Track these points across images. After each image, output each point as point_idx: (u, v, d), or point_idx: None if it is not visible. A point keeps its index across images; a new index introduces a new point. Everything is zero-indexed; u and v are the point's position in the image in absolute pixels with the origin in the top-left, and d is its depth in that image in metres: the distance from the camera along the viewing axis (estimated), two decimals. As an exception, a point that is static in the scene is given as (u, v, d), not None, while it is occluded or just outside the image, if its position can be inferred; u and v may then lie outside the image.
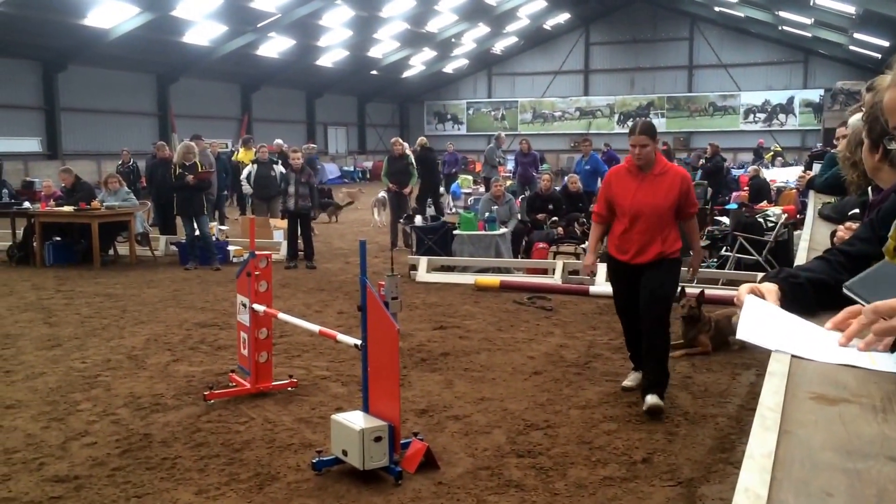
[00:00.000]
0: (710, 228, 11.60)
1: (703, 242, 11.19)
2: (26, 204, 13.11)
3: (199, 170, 12.07)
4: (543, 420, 5.28)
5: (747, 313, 1.38)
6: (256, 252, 5.97)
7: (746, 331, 1.31)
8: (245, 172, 15.05)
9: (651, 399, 5.29)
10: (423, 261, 11.03)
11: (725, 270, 10.06)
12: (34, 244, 12.42)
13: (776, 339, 1.27)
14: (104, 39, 25.09)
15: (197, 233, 12.07)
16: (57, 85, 26.07)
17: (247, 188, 14.89)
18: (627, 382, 5.85)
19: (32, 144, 25.72)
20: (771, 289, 1.47)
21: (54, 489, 4.27)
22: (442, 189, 19.21)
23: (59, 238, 12.70)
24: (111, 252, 13.00)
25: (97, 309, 9.06)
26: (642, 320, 5.41)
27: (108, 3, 23.55)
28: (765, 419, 0.96)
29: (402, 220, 13.71)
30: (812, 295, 1.51)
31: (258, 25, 28.56)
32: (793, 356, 1.22)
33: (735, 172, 23.04)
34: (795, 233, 10.28)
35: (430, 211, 13.96)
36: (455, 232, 11.55)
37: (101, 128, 27.70)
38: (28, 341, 7.53)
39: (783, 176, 19.66)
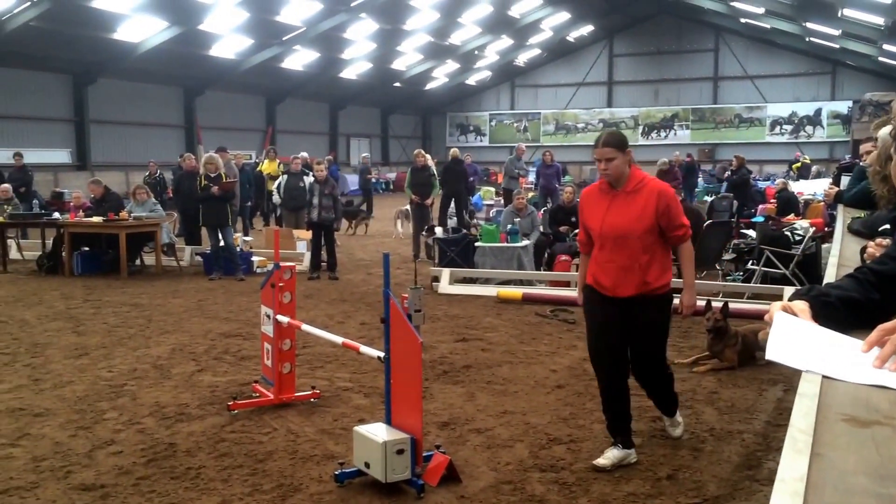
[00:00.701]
0: (736, 241, 11.51)
1: (728, 256, 11.12)
2: (56, 214, 13.28)
3: (224, 181, 12.18)
4: (566, 434, 5.26)
5: (777, 332, 1.36)
6: (281, 263, 6.00)
7: (776, 350, 1.30)
8: (276, 183, 15.18)
9: (672, 428, 5.15)
10: (445, 272, 11.04)
11: (752, 284, 9.96)
12: (63, 254, 12.57)
13: (807, 359, 1.26)
14: (133, 53, 25.44)
15: (221, 243, 12.16)
16: (87, 97, 26.44)
17: (276, 198, 15.02)
18: (602, 461, 4.67)
19: (62, 156, 26.07)
20: (802, 307, 1.46)
21: (81, 497, 4.30)
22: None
23: (87, 248, 12.85)
24: (138, 262, 13.13)
25: (124, 318, 9.14)
26: (635, 376, 4.91)
27: (137, 17, 23.86)
28: (796, 441, 0.95)
29: (424, 232, 13.73)
30: (843, 313, 1.49)
31: (283, 39, 28.80)
32: (824, 376, 1.20)
33: (761, 185, 22.85)
34: (823, 246, 10.17)
35: (452, 223, 13.96)
36: (477, 244, 11.55)
37: (129, 139, 28.03)
38: (56, 350, 7.61)
39: (810, 188, 19.48)
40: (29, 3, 21.08)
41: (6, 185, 14.62)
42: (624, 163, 4.61)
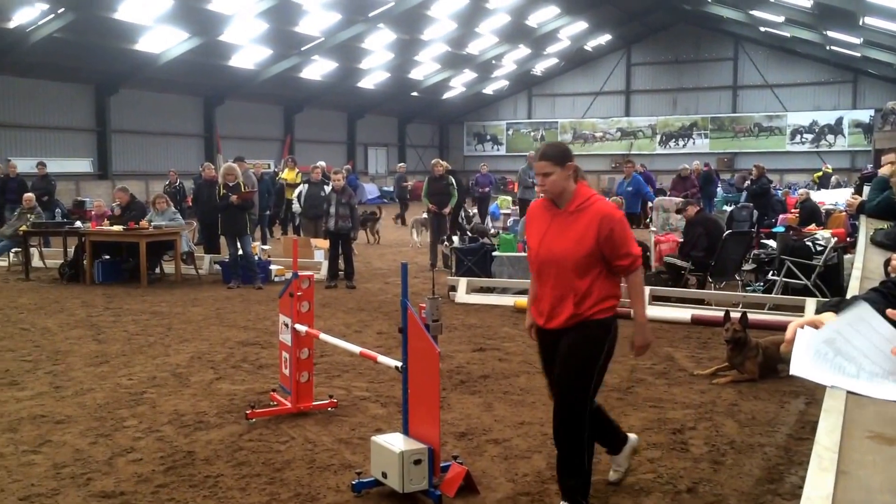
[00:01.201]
0: (756, 252, 11.44)
1: (748, 266, 11.04)
2: (78, 223, 13.40)
3: (243, 190, 12.25)
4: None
5: (800, 347, 1.35)
6: (299, 273, 6.02)
7: (800, 365, 1.28)
8: (297, 192, 15.26)
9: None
10: (462, 282, 11.03)
11: (772, 295, 9.89)
12: (84, 262, 12.68)
13: (831, 374, 1.24)
14: (154, 64, 25.69)
15: (240, 252, 12.22)
16: (108, 107, 26.71)
17: (297, 207, 15.09)
18: (613, 475, 4.59)
19: (84, 165, 26.34)
20: (831, 319, 1.44)
21: (100, 506, 4.33)
22: (474, 210, 19.28)
23: (108, 256, 12.95)
24: (158, 270, 13.22)
25: (143, 326, 9.20)
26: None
27: (159, 28, 24.09)
28: (821, 459, 0.94)
29: (443, 242, 13.73)
30: None
31: (302, 49, 28.97)
32: (848, 392, 1.19)
33: (781, 194, 22.67)
34: (845, 257, 10.08)
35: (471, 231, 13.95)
36: (494, 253, 11.54)
37: (150, 149, 28.28)
38: (77, 357, 7.67)
39: (832, 198, 19.32)
40: (53, 15, 21.33)
41: (30, 194, 14.77)
42: (563, 178, 4.05)
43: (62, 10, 21.15)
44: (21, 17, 21.25)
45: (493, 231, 15.58)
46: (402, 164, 28.39)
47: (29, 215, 13.73)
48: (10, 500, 4.44)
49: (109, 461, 4.96)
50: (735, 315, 6.93)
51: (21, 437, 5.40)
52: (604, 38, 39.28)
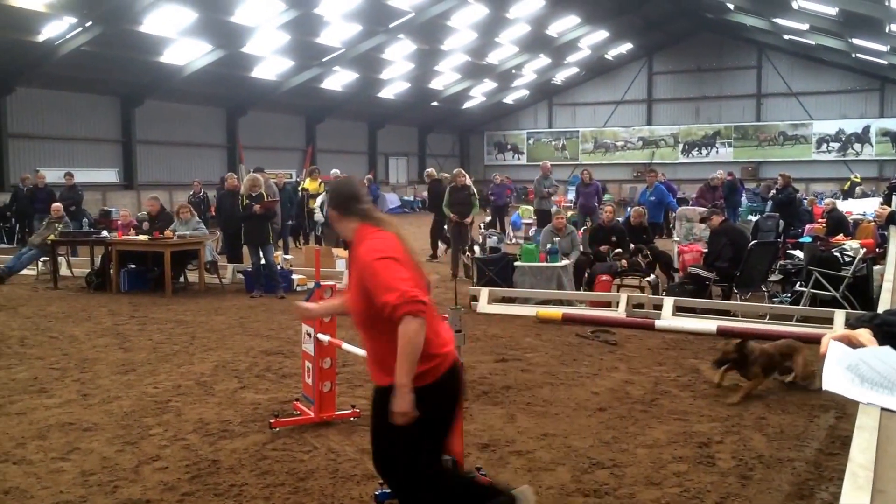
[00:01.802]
0: (782, 262, 11.34)
1: (775, 277, 10.94)
2: (104, 233, 13.54)
3: (265, 200, 12.32)
4: (609, 459, 5.20)
5: (832, 361, 1.34)
6: (321, 282, 6.04)
7: (833, 380, 1.27)
8: (318, 201, 15.34)
9: None
10: (484, 292, 11.02)
11: (800, 307, 9.78)
12: (111, 271, 12.81)
13: (865, 390, 1.23)
14: (178, 75, 25.98)
15: (262, 261, 12.29)
16: (134, 118, 27.03)
17: (319, 216, 15.17)
18: None
19: (110, 175, 26.64)
20: (867, 336, 1.43)
21: (126, 514, 4.36)
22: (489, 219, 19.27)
23: (133, 265, 13.07)
24: (182, 279, 13.32)
25: (168, 335, 9.27)
26: None
27: (183, 41, 24.36)
28: (856, 478, 0.93)
29: (466, 252, 13.75)
30: None
31: (323, 60, 29.15)
32: (883, 409, 1.18)
33: (807, 203, 22.44)
34: (875, 268, 9.98)
35: (493, 241, 13.94)
36: (516, 263, 11.53)
37: (174, 159, 28.56)
38: (104, 365, 7.74)
39: (860, 207, 19.11)
40: (81, 29, 21.63)
41: (58, 204, 14.94)
42: (345, 225, 3.69)
43: (90, 23, 21.44)
44: (50, 31, 21.55)
45: (512, 241, 15.53)
46: (445, 175, 28.39)
47: (57, 225, 13.89)
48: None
49: (136, 469, 5.00)
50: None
51: (50, 445, 5.46)
52: (625, 47, 39.20)
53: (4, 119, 23.34)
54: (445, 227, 15.76)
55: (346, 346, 5.76)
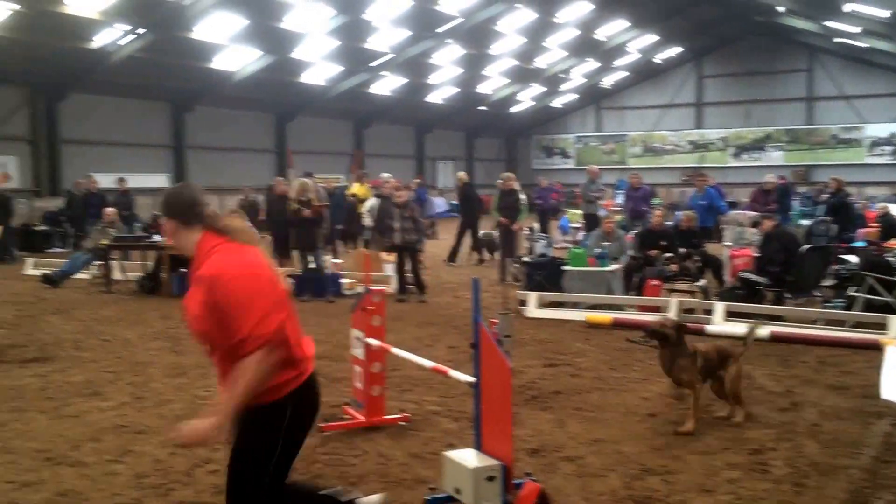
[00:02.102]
0: (835, 267, 11.10)
1: (828, 282, 10.71)
2: (156, 237, 13.78)
3: (314, 205, 12.44)
4: (661, 465, 5.14)
5: (891, 367, 1.30)
6: (371, 287, 6.07)
7: (892, 389, 1.24)
8: (367, 205, 15.44)
9: None
10: (532, 296, 10.98)
11: (853, 312, 9.57)
12: (162, 275, 13.03)
13: None
14: (228, 81, 26.37)
15: (311, 265, 12.40)
16: (185, 124, 27.50)
17: (367, 220, 15.26)
18: None
19: (161, 180, 27.11)
20: None
21: (180, 515, 4.43)
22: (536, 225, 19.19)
23: (185, 269, 13.26)
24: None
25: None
26: None
27: (233, 47, 24.74)
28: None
29: (514, 258, 13.73)
30: None
31: (371, 65, 29.36)
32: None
33: (860, 207, 21.95)
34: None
35: (541, 246, 13.89)
36: (565, 267, 11.46)
37: (224, 164, 28.96)
38: (156, 369, 7.88)
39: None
40: (134, 36, 22.09)
41: (111, 209, 15.25)
42: (185, 237, 3.27)
43: (142, 30, 21.90)
44: (103, 38, 22.05)
45: (560, 245, 15.43)
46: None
47: (110, 229, 14.17)
48: (94, 508, 4.58)
49: (189, 472, 5.07)
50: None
51: (104, 447, 5.56)
52: (674, 51, 38.82)
53: (58, 125, 23.91)
54: (483, 233, 15.81)
55: (394, 350, 5.78)
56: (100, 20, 21.02)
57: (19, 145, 23.39)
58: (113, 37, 22.16)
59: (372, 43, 27.62)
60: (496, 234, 15.66)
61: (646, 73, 40.80)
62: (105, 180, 20.51)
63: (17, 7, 19.43)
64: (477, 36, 29.63)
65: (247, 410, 3.14)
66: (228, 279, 3.07)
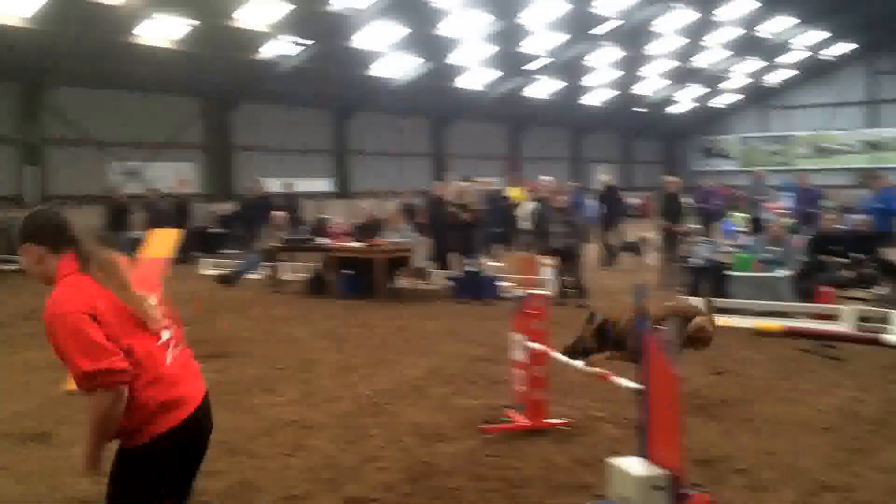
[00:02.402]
0: None
1: None
2: (322, 239, 14.36)
3: (472, 208, 12.59)
4: (839, 481, 4.87)
5: None
6: (531, 291, 6.09)
7: None
8: (525, 209, 15.50)
9: None
10: (697, 302, 10.63)
11: None
12: (328, 277, 13.55)
13: None
14: (387, 88, 27.17)
15: (470, 268, 12.55)
16: (346, 130, 28.56)
17: (524, 224, 15.31)
18: None
19: (325, 184, 28.28)
20: None
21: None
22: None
23: (349, 271, 13.73)
24: (393, 285, 13.84)
25: (382, 339, 9.68)
26: None
27: (391, 54, 25.48)
28: None
29: (677, 262, 13.38)
30: None
31: (526, 68, 29.43)
32: None
33: None
34: None
35: (704, 250, 13.42)
36: (730, 273, 11.05)
37: (383, 168, 29.85)
38: (325, 367, 8.20)
39: None
40: (300, 47, 23.20)
41: (280, 213, 15.99)
42: (39, 262, 3.07)
43: (308, 41, 22.95)
44: (271, 50, 23.28)
45: (726, 250, 14.87)
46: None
47: (278, 232, 14.89)
48: (270, 499, 4.82)
49: (358, 468, 5.25)
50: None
51: (277, 441, 5.83)
52: (845, 47, 36.61)
53: (230, 133, 25.41)
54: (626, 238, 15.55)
55: (556, 354, 5.78)
56: (268, 33, 22.19)
57: (196, 153, 25.05)
58: (280, 48, 23.34)
59: (527, 47, 27.68)
60: (649, 236, 15.34)
61: (814, 70, 38.78)
62: (273, 185, 21.56)
63: (197, 23, 20.82)
64: (634, 37, 29.16)
65: (117, 452, 3.05)
66: (59, 316, 2.89)
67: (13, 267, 16.04)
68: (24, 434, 6.07)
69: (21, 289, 12.79)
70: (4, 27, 18.82)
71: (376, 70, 26.27)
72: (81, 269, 3.01)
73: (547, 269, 13.40)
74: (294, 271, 15.50)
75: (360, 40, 24.06)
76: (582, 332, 6.25)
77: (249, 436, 5.92)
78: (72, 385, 3.34)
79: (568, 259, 12.22)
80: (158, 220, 15.80)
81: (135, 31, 21.01)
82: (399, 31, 24.21)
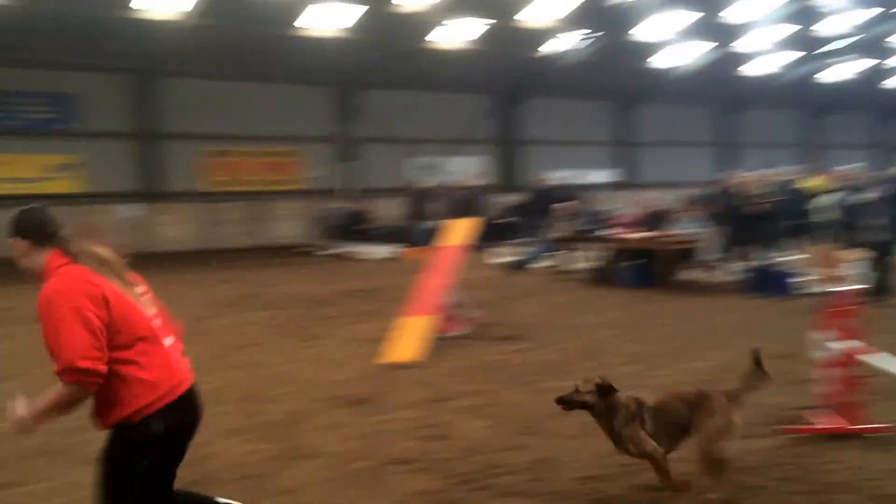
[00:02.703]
0: None
1: None
2: (609, 230, 14.39)
3: (765, 199, 11.95)
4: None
5: None
6: (839, 288, 5.69)
7: None
8: (825, 200, 14.41)
9: None
10: None
11: None
12: (614, 267, 13.54)
13: None
14: (668, 78, 26.59)
15: (764, 261, 11.94)
16: (627, 121, 28.34)
17: (824, 215, 14.24)
18: None
19: (608, 175, 28.31)
20: None
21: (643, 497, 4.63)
22: None
23: (637, 261, 13.60)
24: (680, 277, 13.49)
25: (669, 331, 9.51)
26: None
27: (674, 43, 24.87)
28: None
29: None
30: None
31: (822, 51, 27.42)
32: None
33: None
34: None
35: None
36: None
37: (665, 158, 29.21)
38: (612, 356, 8.22)
39: None
40: (589, 42, 23.42)
41: (567, 204, 16.22)
42: (26, 255, 3.26)
43: (598, 34, 23.08)
44: (554, 46, 23.68)
45: None
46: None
47: (567, 223, 15.15)
48: (570, 476, 4.99)
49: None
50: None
51: (564, 424, 5.83)
52: None
53: (516, 127, 26.17)
54: None
55: (867, 357, 5.36)
56: (553, 28, 22.57)
57: (485, 147, 26.13)
58: (565, 43, 23.65)
59: (823, 28, 25.71)
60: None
61: None
62: (557, 176, 21.92)
63: (492, 21, 21.75)
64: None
65: (111, 433, 3.25)
66: (52, 303, 3.06)
67: (330, 252, 17.82)
68: (351, 399, 6.81)
69: (336, 272, 14.19)
70: (321, 38, 20.86)
71: (657, 60, 25.78)
72: (74, 261, 3.22)
73: (857, 264, 12.40)
74: (582, 260, 15.67)
75: (642, 31, 23.73)
76: (581, 385, 4.94)
77: (544, 417, 6.09)
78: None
79: (885, 254, 11.23)
80: (455, 210, 16.65)
81: (430, 36, 22.36)
82: (683, 18, 23.53)
